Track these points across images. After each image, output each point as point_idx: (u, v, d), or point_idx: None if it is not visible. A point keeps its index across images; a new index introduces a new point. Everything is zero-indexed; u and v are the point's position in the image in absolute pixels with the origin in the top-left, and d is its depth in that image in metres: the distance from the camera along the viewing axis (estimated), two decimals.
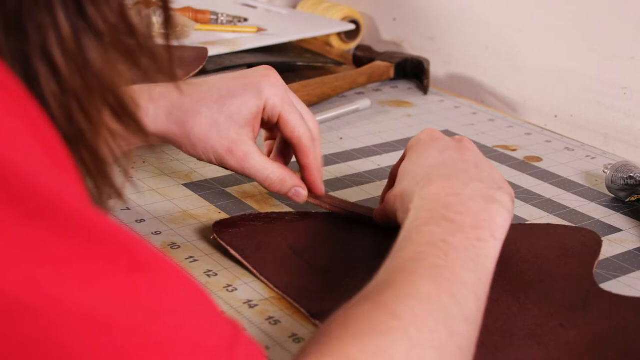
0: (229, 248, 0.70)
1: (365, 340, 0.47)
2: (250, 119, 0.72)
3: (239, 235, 0.72)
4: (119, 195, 0.47)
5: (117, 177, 0.47)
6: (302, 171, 0.75)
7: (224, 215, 0.78)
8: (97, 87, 0.43)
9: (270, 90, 0.73)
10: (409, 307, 0.50)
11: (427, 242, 0.57)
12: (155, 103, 0.72)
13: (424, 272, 0.54)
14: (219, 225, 0.73)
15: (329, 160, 0.92)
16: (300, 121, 0.73)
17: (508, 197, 0.63)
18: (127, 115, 0.46)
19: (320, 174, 0.75)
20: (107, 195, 0.47)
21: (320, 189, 0.75)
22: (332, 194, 0.84)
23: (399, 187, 0.68)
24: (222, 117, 0.72)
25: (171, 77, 0.49)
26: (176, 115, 0.72)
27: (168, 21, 0.49)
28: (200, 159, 0.74)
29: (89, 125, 0.43)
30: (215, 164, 0.74)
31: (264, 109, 0.73)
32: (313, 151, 0.74)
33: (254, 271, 0.68)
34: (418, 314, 0.50)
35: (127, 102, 0.46)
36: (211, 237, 0.72)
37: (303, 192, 0.75)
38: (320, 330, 0.50)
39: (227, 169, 0.74)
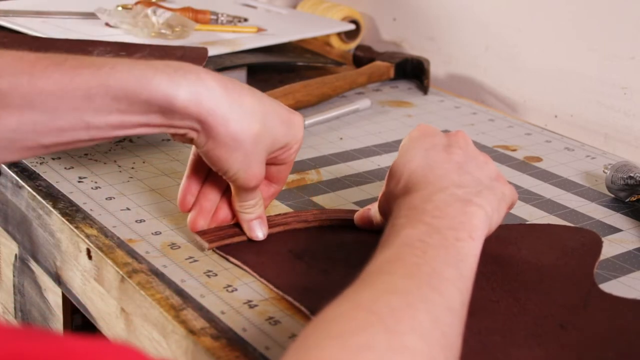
0: (228, 257, 0.70)
1: (343, 339, 0.47)
2: (276, 150, 0.69)
3: (239, 247, 0.72)
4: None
5: None
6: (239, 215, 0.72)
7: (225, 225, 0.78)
8: None
9: (301, 133, 0.70)
10: (387, 301, 0.50)
11: (405, 244, 0.56)
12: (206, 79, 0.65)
13: (403, 270, 0.54)
14: (204, 233, 0.72)
15: (329, 160, 0.92)
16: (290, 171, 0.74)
17: (492, 198, 0.63)
18: None
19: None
20: None
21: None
22: (334, 193, 0.84)
23: (384, 189, 0.68)
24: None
25: None
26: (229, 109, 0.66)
27: None
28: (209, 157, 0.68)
29: None
30: (215, 169, 0.69)
31: (289, 150, 0.70)
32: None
33: (255, 274, 0.68)
34: (396, 307, 0.50)
35: None
36: (207, 249, 0.72)
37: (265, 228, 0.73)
38: (300, 334, 0.49)
39: (224, 175, 0.69)
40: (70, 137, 0.64)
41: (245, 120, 0.65)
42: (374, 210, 0.73)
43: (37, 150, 0.64)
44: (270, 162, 0.70)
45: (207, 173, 0.73)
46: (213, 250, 0.72)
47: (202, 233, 0.72)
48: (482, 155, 0.68)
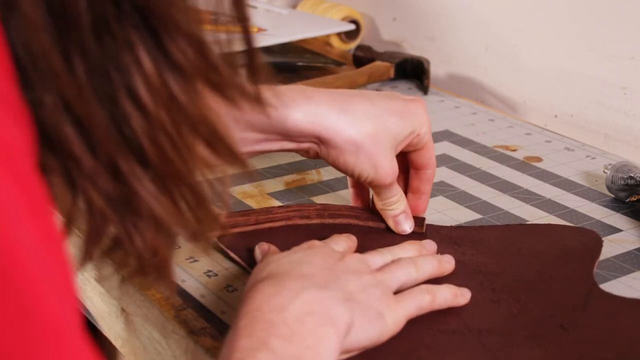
0: (228, 251, 0.70)
1: None
2: (402, 141, 0.71)
3: (239, 238, 0.72)
4: (220, 227, 0.48)
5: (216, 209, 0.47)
6: (411, 196, 0.76)
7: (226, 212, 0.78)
8: (185, 121, 0.43)
9: (424, 117, 0.72)
10: None
11: None
12: (312, 100, 0.69)
13: None
14: None
15: None
16: (434, 153, 0.74)
17: (357, 310, 0.57)
18: (221, 145, 0.46)
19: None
20: (209, 228, 0.47)
21: (423, 212, 0.77)
22: (334, 193, 0.85)
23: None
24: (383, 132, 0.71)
25: (260, 108, 0.49)
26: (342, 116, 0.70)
27: (252, 60, 0.47)
28: (336, 165, 0.71)
29: (181, 160, 0.43)
30: (341, 171, 0.71)
31: (417, 135, 0.72)
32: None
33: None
34: None
35: (220, 132, 0.45)
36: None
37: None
38: None
39: (350, 175, 0.72)
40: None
41: (356, 124, 0.69)
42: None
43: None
44: (407, 150, 0.73)
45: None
46: (214, 243, 0.71)
47: None
48: (378, 275, 0.62)
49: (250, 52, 0.47)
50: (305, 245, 0.64)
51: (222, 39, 0.45)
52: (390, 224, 0.74)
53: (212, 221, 0.47)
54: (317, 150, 0.70)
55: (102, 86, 0.40)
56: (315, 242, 0.65)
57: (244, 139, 0.69)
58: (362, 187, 0.77)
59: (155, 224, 0.44)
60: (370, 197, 0.77)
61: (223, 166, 0.47)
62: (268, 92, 0.49)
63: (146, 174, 0.43)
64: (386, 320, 0.58)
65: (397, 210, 0.74)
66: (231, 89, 0.46)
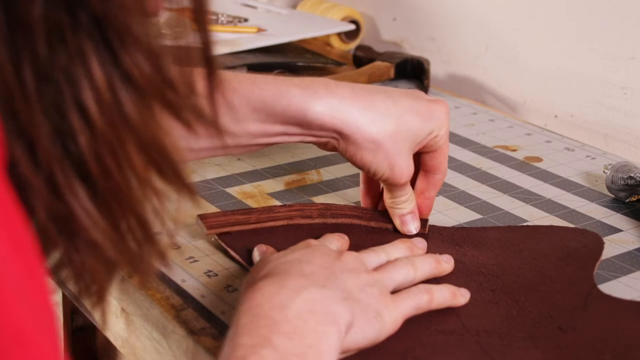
0: (229, 250, 0.70)
1: None
2: (420, 142, 0.71)
3: (240, 236, 0.72)
4: (163, 259, 0.45)
5: (162, 240, 0.45)
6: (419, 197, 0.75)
7: (228, 210, 0.78)
8: (134, 140, 0.41)
9: (444, 119, 0.72)
10: None
11: None
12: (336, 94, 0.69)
13: None
14: (205, 218, 0.73)
15: (330, 160, 0.92)
16: (447, 158, 0.74)
17: (356, 309, 0.57)
18: (171, 170, 0.43)
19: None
20: (151, 260, 0.45)
21: (426, 214, 0.76)
22: (334, 193, 0.85)
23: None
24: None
25: (216, 130, 0.46)
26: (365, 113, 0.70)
27: (211, 71, 0.45)
28: (353, 160, 0.71)
29: (125, 181, 0.41)
30: (360, 168, 0.72)
31: (435, 137, 0.71)
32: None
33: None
34: None
35: (170, 156, 0.43)
36: (212, 239, 0.72)
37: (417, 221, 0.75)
38: None
39: (371, 174, 0.71)
40: (214, 143, 0.69)
41: (378, 122, 0.69)
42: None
43: (192, 154, 0.70)
44: (421, 151, 0.73)
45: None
46: (215, 240, 0.71)
47: (203, 217, 0.72)
48: (375, 274, 0.63)
49: (209, 59, 0.44)
50: (302, 244, 0.65)
51: (181, 56, 0.43)
52: (397, 222, 0.74)
53: (156, 253, 0.45)
54: (335, 145, 0.70)
55: (50, 97, 0.39)
56: (312, 241, 0.65)
57: (264, 131, 0.69)
58: (373, 183, 0.77)
59: (92, 247, 0.42)
60: (380, 190, 0.77)
61: (171, 193, 0.44)
62: (222, 108, 0.46)
63: (87, 193, 0.40)
64: (384, 319, 0.58)
65: (405, 210, 0.74)
66: (187, 110, 0.44)
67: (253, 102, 0.68)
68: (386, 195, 0.74)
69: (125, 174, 0.41)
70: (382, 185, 0.74)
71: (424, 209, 0.75)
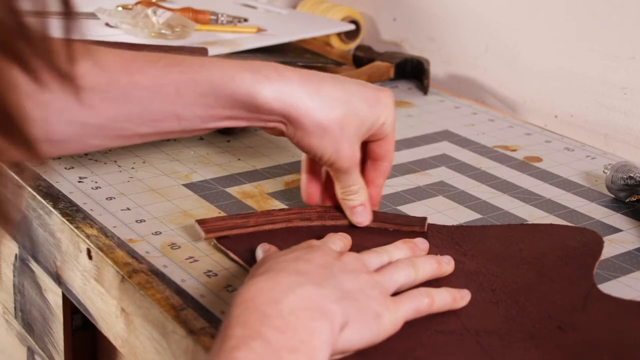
0: (228, 252, 0.70)
1: None
2: (368, 129, 0.71)
3: (239, 239, 0.72)
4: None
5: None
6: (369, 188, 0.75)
7: (226, 215, 0.78)
8: None
9: (391, 107, 0.72)
10: None
11: None
12: (287, 77, 0.69)
13: None
14: (203, 222, 0.73)
15: None
16: (394, 147, 0.75)
17: (352, 309, 0.57)
18: (14, 129, 0.39)
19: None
20: None
21: (376, 203, 0.77)
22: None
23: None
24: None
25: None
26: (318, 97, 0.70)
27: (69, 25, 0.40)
28: (303, 148, 0.71)
29: None
30: (311, 155, 0.72)
31: (382, 125, 0.72)
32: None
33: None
34: None
35: (10, 110, 0.39)
36: (212, 243, 0.72)
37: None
38: None
39: (322, 163, 0.72)
40: (162, 127, 0.70)
41: (326, 107, 0.69)
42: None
43: (134, 138, 0.72)
44: (368, 140, 0.73)
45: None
46: (215, 244, 0.72)
47: (201, 222, 0.72)
48: (376, 276, 0.62)
49: (69, 14, 0.40)
50: (304, 244, 0.65)
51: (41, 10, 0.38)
52: (348, 214, 0.74)
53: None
54: (282, 130, 0.70)
55: None
56: (314, 242, 0.65)
57: (212, 115, 0.69)
58: (316, 173, 0.76)
59: None
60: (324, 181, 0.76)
61: (15, 155, 0.41)
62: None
63: None
64: (383, 321, 0.58)
65: (356, 201, 0.74)
66: (37, 59, 0.39)
67: (201, 86, 0.68)
68: (337, 187, 0.74)
69: None
70: (332, 175, 0.74)
71: (374, 197, 0.76)
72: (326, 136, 0.69)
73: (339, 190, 0.74)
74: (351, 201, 0.74)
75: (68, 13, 0.40)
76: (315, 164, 0.76)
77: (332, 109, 0.69)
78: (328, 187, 0.77)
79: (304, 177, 0.77)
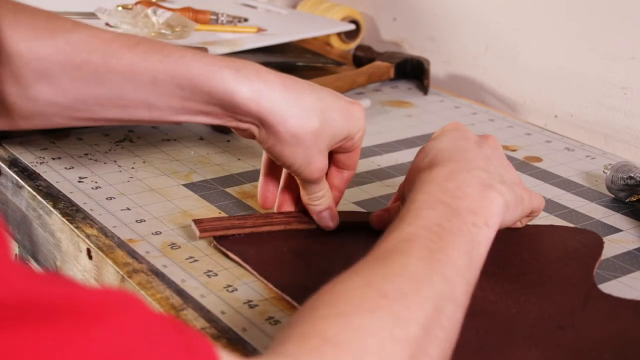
0: (228, 252, 0.70)
1: (349, 318, 0.47)
2: (338, 142, 0.71)
3: (239, 240, 0.72)
4: None
5: None
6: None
7: (224, 216, 0.78)
8: None
9: (363, 121, 0.72)
10: (398, 285, 0.50)
11: (422, 225, 0.57)
12: (266, 81, 0.68)
13: (417, 252, 0.54)
14: (199, 222, 0.73)
15: None
16: (359, 157, 0.75)
17: (511, 194, 0.63)
18: None
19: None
20: None
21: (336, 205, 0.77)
22: None
23: (411, 165, 0.69)
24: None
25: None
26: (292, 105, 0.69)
27: None
28: (272, 153, 0.70)
29: None
30: (277, 162, 0.71)
31: (351, 139, 0.71)
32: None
33: (255, 273, 0.68)
34: (407, 293, 0.50)
35: None
36: (212, 244, 0.72)
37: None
38: (306, 305, 0.49)
39: (287, 167, 0.71)
40: (132, 114, 0.69)
41: (304, 117, 0.68)
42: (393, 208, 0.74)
43: (100, 121, 0.70)
44: (336, 151, 0.73)
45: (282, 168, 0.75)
46: (215, 246, 0.72)
47: (197, 222, 0.72)
48: (508, 161, 0.70)
49: None
50: (449, 126, 0.71)
51: None
52: (315, 219, 0.74)
53: None
54: (254, 133, 0.69)
55: None
56: (458, 124, 0.72)
57: (186, 107, 0.68)
58: (275, 177, 0.76)
59: None
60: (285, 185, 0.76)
61: None
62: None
63: None
64: (525, 206, 0.67)
65: (321, 206, 0.73)
66: None
67: (178, 78, 0.67)
68: (302, 193, 0.73)
69: None
70: (298, 182, 0.73)
71: (336, 201, 0.76)
72: (299, 146, 0.68)
73: (304, 196, 0.73)
74: (317, 206, 0.73)
75: None
76: (275, 167, 0.75)
77: (308, 119, 0.68)
78: (290, 191, 0.76)
79: (261, 180, 0.76)
